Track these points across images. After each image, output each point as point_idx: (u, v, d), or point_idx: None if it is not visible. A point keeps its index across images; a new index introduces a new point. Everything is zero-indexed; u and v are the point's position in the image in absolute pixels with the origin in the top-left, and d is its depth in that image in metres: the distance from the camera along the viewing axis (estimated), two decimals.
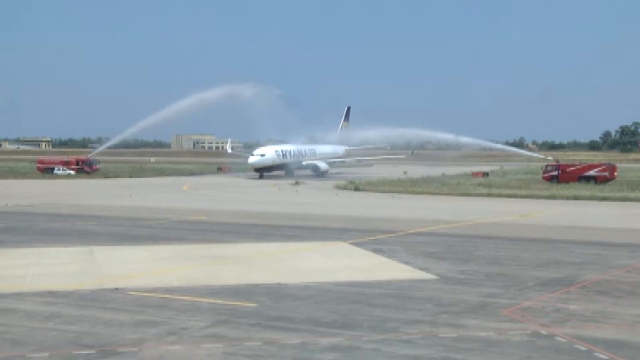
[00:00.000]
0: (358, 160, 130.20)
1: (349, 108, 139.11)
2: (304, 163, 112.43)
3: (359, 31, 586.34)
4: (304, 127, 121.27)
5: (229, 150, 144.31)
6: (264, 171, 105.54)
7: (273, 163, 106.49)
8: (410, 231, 41.08)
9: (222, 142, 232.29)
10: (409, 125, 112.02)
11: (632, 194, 67.29)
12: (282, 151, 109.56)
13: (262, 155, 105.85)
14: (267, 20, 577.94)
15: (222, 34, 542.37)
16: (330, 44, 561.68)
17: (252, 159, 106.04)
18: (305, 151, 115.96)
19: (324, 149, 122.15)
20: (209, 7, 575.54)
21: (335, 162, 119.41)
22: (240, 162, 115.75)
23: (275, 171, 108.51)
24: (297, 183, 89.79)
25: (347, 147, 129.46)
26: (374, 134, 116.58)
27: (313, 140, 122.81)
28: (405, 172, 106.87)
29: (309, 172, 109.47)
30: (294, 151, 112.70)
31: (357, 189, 77.53)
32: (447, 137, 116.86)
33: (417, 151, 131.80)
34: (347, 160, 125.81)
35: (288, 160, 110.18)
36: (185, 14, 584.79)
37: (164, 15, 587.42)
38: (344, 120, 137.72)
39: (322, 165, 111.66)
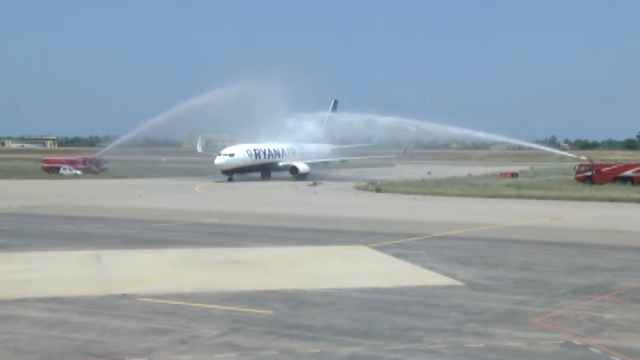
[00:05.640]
0: (343, 161, 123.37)
1: (335, 101, 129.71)
2: (280, 164, 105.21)
3: (371, 26, 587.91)
4: (285, 125, 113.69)
5: (199, 150, 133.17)
6: (233, 173, 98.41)
7: (244, 164, 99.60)
8: (435, 235, 40.97)
9: (235, 141, 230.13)
10: (421, 117, 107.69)
11: None
12: (254, 151, 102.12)
13: (231, 155, 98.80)
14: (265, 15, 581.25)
15: (221, 33, 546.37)
16: (330, 36, 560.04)
17: (218, 160, 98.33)
18: (283, 150, 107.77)
19: (305, 148, 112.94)
20: (208, 5, 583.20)
21: (317, 163, 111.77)
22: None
23: (248, 173, 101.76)
24: (315, 184, 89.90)
25: (333, 146, 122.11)
26: (385, 121, 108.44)
27: (295, 138, 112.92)
28: (429, 173, 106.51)
29: (286, 174, 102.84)
30: (269, 150, 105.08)
31: (378, 190, 77.51)
32: (471, 133, 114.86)
33: (410, 150, 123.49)
34: (331, 160, 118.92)
35: (262, 160, 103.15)
36: (184, 13, 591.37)
37: (170, 13, 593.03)
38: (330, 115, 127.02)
39: (302, 166, 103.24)
